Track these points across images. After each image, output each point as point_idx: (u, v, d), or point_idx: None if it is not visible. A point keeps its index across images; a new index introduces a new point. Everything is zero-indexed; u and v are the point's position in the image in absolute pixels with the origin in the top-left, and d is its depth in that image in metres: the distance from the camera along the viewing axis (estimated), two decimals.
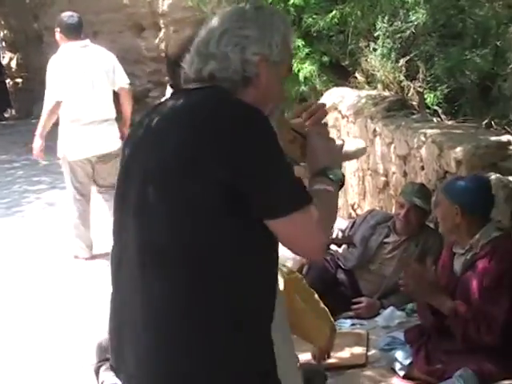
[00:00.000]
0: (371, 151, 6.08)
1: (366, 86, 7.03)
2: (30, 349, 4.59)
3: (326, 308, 3.65)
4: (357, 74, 7.16)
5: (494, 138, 4.84)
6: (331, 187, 2.09)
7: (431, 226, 4.91)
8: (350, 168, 6.63)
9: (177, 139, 1.97)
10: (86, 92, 6.00)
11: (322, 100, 6.79)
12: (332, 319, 3.72)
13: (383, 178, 6.10)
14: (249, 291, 1.98)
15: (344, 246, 5.16)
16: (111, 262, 2.16)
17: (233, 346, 1.95)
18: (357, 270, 4.93)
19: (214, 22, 2.12)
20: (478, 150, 4.65)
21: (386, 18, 6.50)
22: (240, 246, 1.96)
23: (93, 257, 6.27)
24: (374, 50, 6.72)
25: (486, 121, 5.37)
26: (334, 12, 6.81)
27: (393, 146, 5.81)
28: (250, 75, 2.06)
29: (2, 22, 16.59)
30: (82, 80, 5.99)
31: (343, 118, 6.82)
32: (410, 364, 3.83)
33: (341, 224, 5.20)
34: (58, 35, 6.16)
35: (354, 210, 6.70)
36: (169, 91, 2.96)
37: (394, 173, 5.85)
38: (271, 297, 2.08)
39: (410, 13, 6.22)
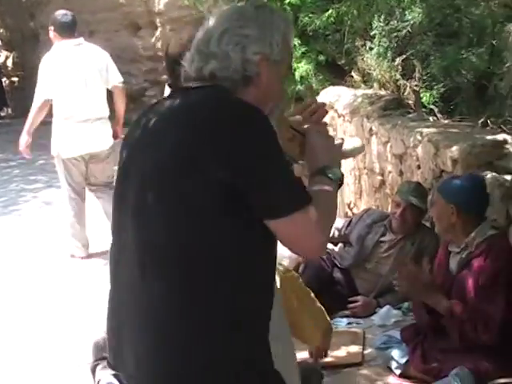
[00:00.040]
0: (367, 150, 6.08)
1: (362, 85, 7.04)
2: (26, 347, 4.58)
3: (323, 307, 3.65)
4: (353, 73, 7.17)
5: (489, 137, 4.84)
6: (330, 186, 2.09)
7: (427, 224, 4.91)
8: (346, 167, 6.63)
9: (175, 139, 1.96)
10: (78, 90, 6.00)
11: (318, 99, 6.79)
12: (328, 318, 3.72)
13: (379, 177, 6.10)
14: (247, 291, 1.98)
15: (340, 245, 5.16)
16: (110, 262, 2.16)
17: (231, 346, 1.95)
18: (353, 269, 4.94)
19: (215, 20, 2.11)
20: (474, 148, 4.65)
21: (383, 17, 6.50)
22: (239, 245, 1.95)
23: (89, 256, 6.27)
24: (371, 48, 6.73)
25: (481, 120, 5.37)
26: (330, 11, 6.82)
27: (389, 144, 5.81)
28: (251, 74, 2.06)
29: None
30: (74, 78, 5.99)
31: (339, 116, 6.83)
32: (406, 363, 3.83)
33: (337, 223, 5.20)
34: (51, 33, 6.16)
35: (351, 209, 6.70)
36: (167, 90, 2.95)
37: (390, 172, 5.86)
38: (269, 296, 2.07)
39: (406, 12, 6.23)
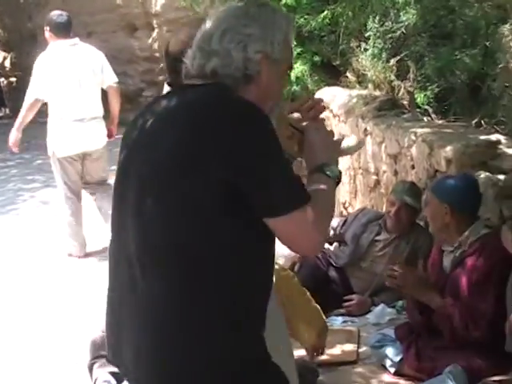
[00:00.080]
0: (362, 150, 6.08)
1: (357, 86, 7.03)
2: (24, 346, 4.58)
3: (318, 306, 3.66)
4: (348, 74, 7.17)
5: (483, 137, 4.85)
6: (328, 184, 2.09)
7: (421, 224, 4.91)
8: (341, 166, 6.62)
9: (174, 137, 1.96)
10: (73, 90, 6.01)
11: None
12: (324, 317, 3.72)
13: (374, 177, 6.11)
14: (247, 290, 1.97)
15: (335, 244, 5.17)
16: (109, 261, 2.15)
17: (231, 345, 1.95)
18: (348, 268, 4.94)
19: (217, 18, 2.11)
20: (468, 148, 4.66)
21: (377, 18, 6.50)
22: (239, 244, 1.95)
23: (86, 255, 6.27)
24: (365, 50, 6.72)
25: (475, 120, 5.38)
26: (325, 12, 6.82)
27: (384, 145, 5.81)
28: (252, 73, 2.06)
29: None
30: (69, 78, 6.00)
31: (334, 117, 6.83)
32: (401, 361, 3.84)
33: (332, 222, 5.18)
34: (47, 34, 6.17)
35: (346, 209, 6.70)
36: (166, 88, 2.94)
37: (384, 171, 5.86)
38: (267, 295, 2.07)
39: (401, 13, 6.23)
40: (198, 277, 1.93)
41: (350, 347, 4.19)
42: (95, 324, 3.99)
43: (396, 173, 5.63)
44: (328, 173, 2.10)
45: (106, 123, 6.36)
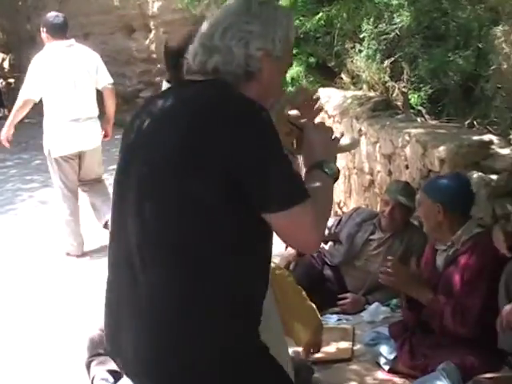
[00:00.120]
0: (357, 150, 6.08)
1: (352, 87, 7.03)
2: (22, 344, 4.58)
3: (313, 304, 3.66)
4: (343, 75, 7.16)
5: (476, 138, 4.85)
6: (327, 181, 2.09)
7: (415, 223, 4.92)
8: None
9: (175, 136, 1.96)
10: (68, 90, 6.03)
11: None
12: (319, 315, 3.73)
13: (368, 177, 6.11)
14: (245, 284, 1.98)
15: (330, 243, 5.17)
16: (109, 261, 2.14)
17: (231, 334, 1.95)
18: (343, 267, 4.94)
19: (219, 15, 2.11)
20: (461, 149, 4.66)
21: (371, 20, 6.49)
22: (238, 241, 1.95)
23: (84, 254, 6.27)
24: (360, 51, 6.72)
25: (468, 121, 5.38)
26: (320, 14, 6.81)
27: (378, 145, 5.82)
28: (253, 70, 2.06)
29: None
30: (64, 78, 6.02)
31: (329, 117, 6.82)
32: (395, 358, 3.84)
33: None
34: (43, 35, 6.19)
35: (340, 208, 6.70)
36: (165, 85, 2.94)
37: (379, 171, 5.86)
38: (265, 284, 2.08)
39: (395, 15, 6.23)
40: (198, 264, 1.93)
41: (344, 345, 4.19)
42: (93, 322, 3.99)
43: (390, 173, 5.63)
44: (326, 170, 2.10)
45: (102, 123, 6.38)
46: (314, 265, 4.95)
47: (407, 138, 5.24)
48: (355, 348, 4.17)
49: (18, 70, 15.53)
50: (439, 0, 6.09)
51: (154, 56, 12.91)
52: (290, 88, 7.42)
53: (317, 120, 2.32)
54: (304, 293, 3.62)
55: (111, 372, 3.78)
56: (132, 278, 2.00)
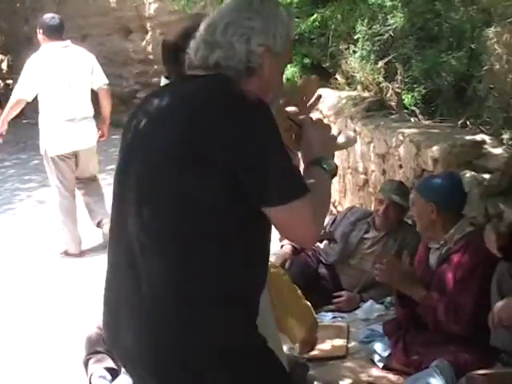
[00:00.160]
0: (351, 150, 6.09)
1: (346, 87, 7.03)
2: (21, 342, 4.57)
3: (309, 302, 3.66)
4: (337, 76, 7.16)
5: (469, 137, 4.86)
6: (325, 177, 2.10)
7: (409, 222, 4.92)
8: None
9: (175, 130, 1.95)
10: (63, 91, 6.05)
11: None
12: (314, 314, 3.73)
13: (363, 176, 6.11)
14: (245, 274, 1.98)
15: (325, 242, 5.16)
16: (108, 259, 2.13)
17: (229, 321, 1.95)
18: (338, 265, 4.94)
19: (220, 11, 2.12)
20: (454, 148, 4.67)
21: (366, 21, 6.50)
22: (238, 234, 1.95)
23: (82, 252, 6.27)
24: (354, 52, 6.72)
25: (461, 121, 5.38)
26: (315, 15, 6.81)
27: (372, 145, 5.82)
28: (254, 65, 2.06)
29: None
30: (59, 79, 6.04)
31: (324, 118, 6.82)
32: (389, 355, 3.85)
33: None
34: (40, 36, 6.22)
35: (335, 207, 6.71)
36: (163, 82, 2.93)
37: (373, 171, 5.87)
38: (263, 279, 2.09)
39: (389, 16, 6.23)
40: (199, 271, 1.93)
41: (339, 342, 4.19)
42: (91, 321, 3.99)
43: (384, 172, 5.63)
44: (325, 166, 2.11)
45: (98, 124, 6.40)
46: (309, 263, 4.95)
47: (401, 137, 5.24)
48: (350, 345, 4.17)
49: (16, 71, 15.48)
50: (432, 1, 6.09)
51: (151, 57, 12.89)
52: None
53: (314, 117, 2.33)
54: (299, 291, 3.62)
55: (109, 369, 3.78)
56: (132, 278, 2.00)
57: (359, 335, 4.16)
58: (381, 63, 6.47)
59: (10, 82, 16.07)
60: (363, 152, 6.01)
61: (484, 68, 5.18)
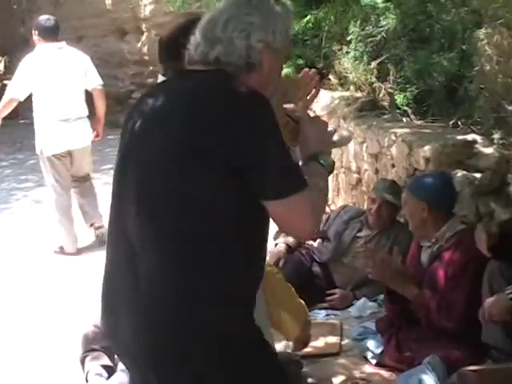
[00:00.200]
0: (344, 150, 6.10)
1: (339, 88, 7.04)
2: (17, 340, 4.56)
3: (302, 301, 3.66)
4: (330, 76, 7.17)
5: (460, 137, 4.88)
6: (323, 172, 2.11)
7: (401, 220, 4.93)
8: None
9: (174, 127, 1.95)
10: (57, 91, 6.05)
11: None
12: (308, 312, 3.73)
13: (356, 175, 6.12)
14: (244, 267, 1.98)
15: (319, 240, 5.16)
16: (107, 256, 2.12)
17: (228, 320, 1.95)
18: (331, 263, 4.94)
19: (220, 7, 2.11)
20: (446, 148, 4.68)
21: (358, 22, 6.51)
22: (238, 227, 1.95)
23: (78, 251, 6.27)
24: (347, 53, 6.73)
25: (452, 121, 5.40)
26: (308, 17, 6.82)
27: (365, 144, 5.83)
28: (254, 61, 2.06)
29: None
30: (53, 80, 6.04)
31: None
32: (382, 352, 3.85)
33: None
34: (35, 37, 6.23)
35: (328, 206, 6.71)
36: (160, 79, 2.93)
37: (366, 170, 5.88)
38: (261, 273, 2.09)
39: (381, 18, 6.24)
40: (197, 266, 1.92)
41: (333, 340, 4.20)
42: (87, 318, 3.98)
43: (377, 171, 5.64)
44: (322, 161, 2.12)
45: (92, 124, 6.42)
46: (303, 262, 4.95)
47: (393, 137, 5.25)
48: (343, 343, 4.17)
49: (13, 72, 15.45)
50: (424, 3, 6.11)
51: (146, 58, 12.89)
52: None
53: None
54: (293, 290, 3.62)
55: (105, 367, 3.78)
56: (131, 275, 1.99)
57: (352, 332, 4.16)
58: (373, 64, 6.48)
59: (6, 82, 16.08)
60: (356, 151, 6.02)
61: (475, 69, 5.20)
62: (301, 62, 7.52)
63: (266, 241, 2.10)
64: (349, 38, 6.67)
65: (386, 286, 3.89)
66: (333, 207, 6.51)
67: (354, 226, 4.95)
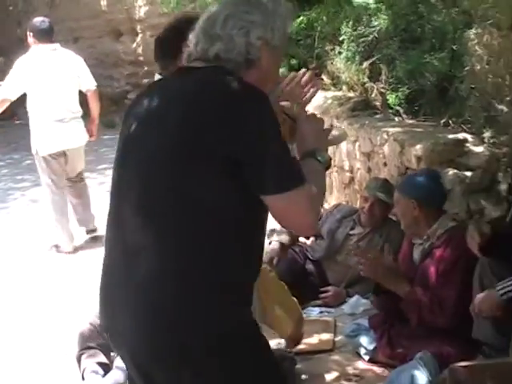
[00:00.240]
0: (337, 149, 6.10)
1: (332, 88, 7.05)
2: (14, 338, 4.56)
3: (296, 298, 3.67)
4: (323, 76, 7.18)
5: (451, 136, 4.89)
6: (320, 168, 2.12)
7: (393, 218, 4.93)
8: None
9: (178, 117, 1.96)
10: (51, 92, 6.05)
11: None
12: (301, 310, 3.73)
13: (348, 174, 6.13)
14: (243, 255, 1.98)
15: (312, 238, 5.17)
16: (105, 248, 2.12)
17: (227, 319, 1.94)
18: (324, 261, 4.94)
19: (220, 5, 2.12)
20: (437, 147, 4.69)
21: (351, 23, 6.52)
22: (236, 225, 1.96)
23: (74, 249, 6.26)
24: (340, 53, 6.74)
25: (443, 120, 5.41)
26: (301, 18, 6.82)
27: (357, 143, 5.84)
28: (253, 58, 2.07)
29: None
30: (47, 81, 6.04)
31: None
32: (374, 349, 3.86)
33: None
34: (30, 39, 6.24)
35: (321, 205, 6.72)
36: (157, 78, 2.93)
37: (358, 169, 5.88)
38: (258, 267, 2.09)
39: (373, 18, 6.25)
40: (197, 261, 1.92)
41: (326, 336, 4.20)
42: (83, 317, 3.98)
43: (369, 170, 5.65)
44: (319, 158, 2.13)
45: (87, 124, 6.42)
46: (297, 259, 4.95)
47: (385, 136, 5.26)
48: (336, 339, 4.18)
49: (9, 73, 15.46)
50: (415, 4, 6.12)
51: (141, 59, 12.88)
52: None
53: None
54: (286, 288, 3.62)
55: (101, 364, 3.78)
56: (130, 269, 1.98)
57: (345, 329, 4.16)
58: (365, 64, 6.49)
59: (1, 83, 16.04)
60: (349, 150, 6.02)
61: (465, 68, 5.21)
62: (294, 62, 7.53)
63: (263, 241, 2.11)
64: (341, 39, 6.68)
65: (373, 287, 3.90)
66: (326, 206, 6.52)
67: (346, 224, 4.96)
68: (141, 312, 1.96)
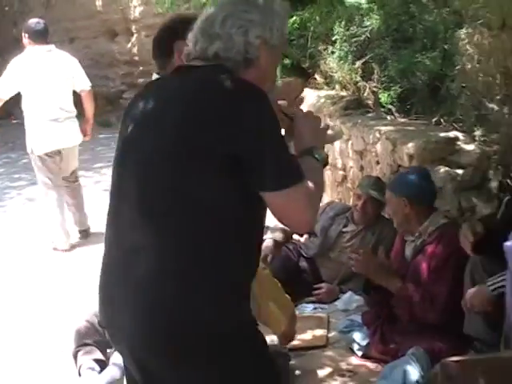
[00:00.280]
0: (330, 147, 6.11)
1: (325, 87, 7.06)
2: (11, 336, 4.55)
3: (289, 295, 3.67)
4: (316, 76, 7.19)
5: (442, 134, 4.90)
6: (317, 166, 2.12)
7: (386, 216, 4.94)
8: None
9: (176, 117, 1.95)
10: (46, 92, 6.05)
11: None
12: (294, 307, 3.73)
13: (341, 172, 6.14)
14: (242, 254, 1.98)
15: (306, 236, 5.18)
16: (105, 245, 2.12)
17: (227, 319, 1.94)
18: (318, 258, 4.95)
19: (218, 4, 2.12)
20: (429, 145, 4.70)
21: (343, 23, 6.53)
22: (236, 225, 1.95)
23: (71, 248, 6.26)
24: (332, 52, 6.75)
25: (435, 118, 5.42)
26: (294, 18, 6.82)
27: (350, 142, 5.85)
28: (252, 57, 2.07)
29: None
30: (42, 81, 6.05)
31: None
32: (367, 344, 3.86)
33: None
34: (25, 40, 6.24)
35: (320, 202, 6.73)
36: (155, 77, 2.93)
37: (351, 167, 5.89)
38: (255, 264, 2.09)
39: (365, 18, 6.26)
40: (197, 259, 1.92)
41: (320, 332, 4.20)
42: (80, 314, 3.98)
43: (362, 168, 5.66)
44: (316, 156, 2.12)
45: (81, 124, 6.43)
46: (291, 257, 4.96)
47: (378, 135, 5.27)
48: (330, 335, 4.18)
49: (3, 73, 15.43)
50: (407, 4, 6.13)
51: (136, 59, 12.87)
52: None
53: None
54: (280, 285, 3.63)
55: (97, 361, 3.78)
56: (129, 266, 1.98)
57: (339, 325, 4.17)
58: (358, 63, 6.50)
59: None
60: (342, 149, 6.03)
61: (456, 68, 5.22)
62: (287, 61, 7.54)
63: (262, 241, 2.11)
64: (334, 38, 6.69)
65: (363, 285, 3.91)
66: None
67: (339, 221, 4.96)
68: (140, 312, 1.95)
